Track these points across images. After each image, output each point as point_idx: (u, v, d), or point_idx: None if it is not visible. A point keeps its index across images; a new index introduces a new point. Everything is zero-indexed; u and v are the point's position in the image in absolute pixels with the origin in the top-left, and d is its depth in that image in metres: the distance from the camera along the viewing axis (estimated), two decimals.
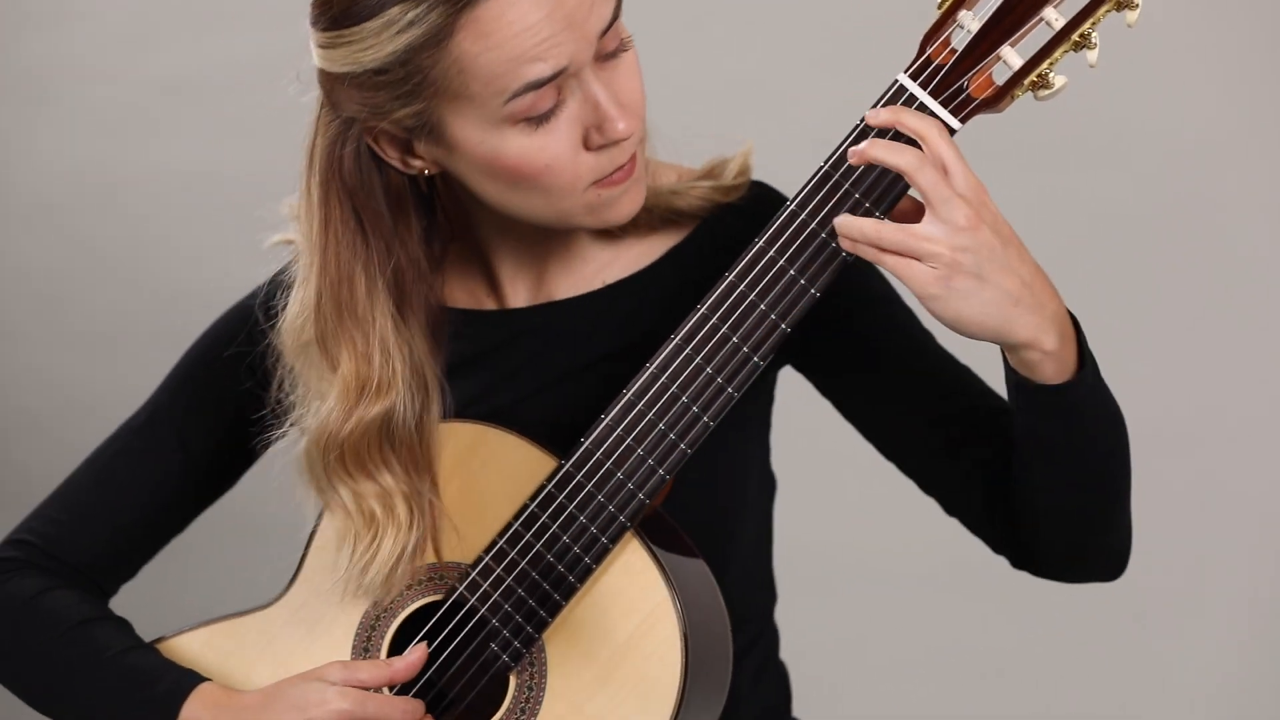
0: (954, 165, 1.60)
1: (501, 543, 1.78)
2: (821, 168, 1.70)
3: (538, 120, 1.73)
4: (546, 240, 1.89)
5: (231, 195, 3.12)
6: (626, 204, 1.78)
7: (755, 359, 1.73)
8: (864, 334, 1.87)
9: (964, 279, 1.59)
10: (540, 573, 1.77)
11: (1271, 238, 3.27)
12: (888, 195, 1.68)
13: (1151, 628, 3.33)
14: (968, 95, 1.66)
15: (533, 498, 1.78)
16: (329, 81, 1.76)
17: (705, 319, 1.73)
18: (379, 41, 1.70)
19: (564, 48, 1.69)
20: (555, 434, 1.80)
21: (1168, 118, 3.25)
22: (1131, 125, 3.23)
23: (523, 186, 1.76)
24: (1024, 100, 1.69)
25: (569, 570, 1.76)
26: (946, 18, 1.67)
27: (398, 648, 1.83)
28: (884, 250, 1.61)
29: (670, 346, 1.74)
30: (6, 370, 3.49)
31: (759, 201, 1.89)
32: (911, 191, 1.67)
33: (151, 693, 1.83)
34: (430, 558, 1.82)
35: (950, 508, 1.86)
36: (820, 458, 3.03)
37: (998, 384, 1.82)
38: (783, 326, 1.72)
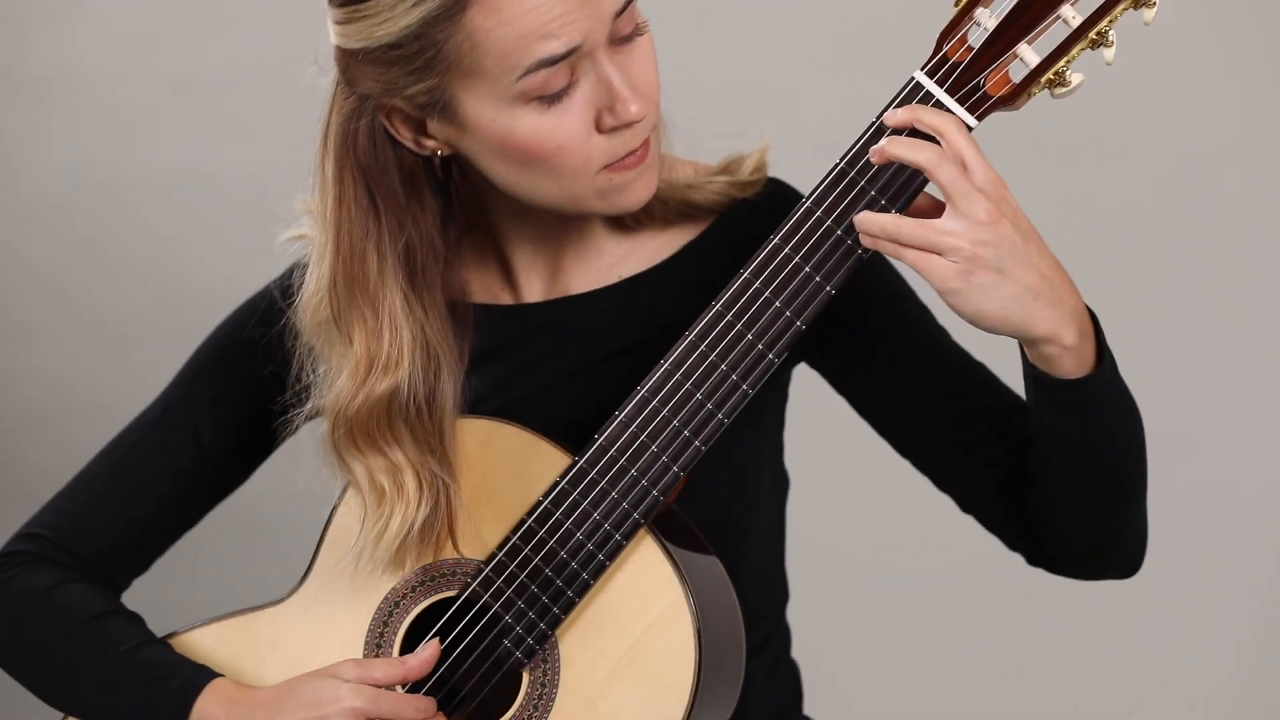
0: (973, 160, 1.61)
1: (515, 539, 1.78)
2: (837, 165, 1.70)
3: (550, 100, 1.72)
4: (562, 232, 1.89)
5: (239, 193, 3.12)
6: (638, 190, 1.78)
7: (771, 356, 1.73)
8: (879, 331, 1.87)
9: (985, 273, 1.60)
10: (554, 569, 1.77)
11: (1274, 238, 3.27)
12: (905, 192, 1.68)
13: (1154, 628, 3.33)
14: (984, 93, 1.66)
15: (546, 494, 1.78)
16: (345, 59, 1.76)
17: (720, 316, 1.73)
18: (393, 16, 1.70)
19: (578, 25, 1.69)
20: (571, 429, 1.80)
21: (1172, 118, 3.25)
22: (1135, 125, 3.23)
23: (534, 167, 1.75)
24: (1034, 98, 1.69)
25: (583, 567, 1.76)
26: (963, 15, 1.67)
27: (410, 644, 1.83)
28: (904, 245, 1.61)
29: (685, 343, 1.74)
30: (15, 367, 3.49)
31: (775, 198, 1.89)
32: (930, 188, 1.67)
33: (164, 688, 1.83)
34: (447, 547, 1.81)
35: (965, 505, 1.86)
36: (831, 456, 3.03)
37: (1012, 381, 1.82)
38: (798, 324, 1.72)
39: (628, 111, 1.73)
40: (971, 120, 1.66)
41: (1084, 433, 1.69)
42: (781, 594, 2.01)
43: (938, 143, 1.63)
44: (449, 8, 1.69)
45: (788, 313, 1.72)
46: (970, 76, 1.66)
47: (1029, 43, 1.65)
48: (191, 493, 1.96)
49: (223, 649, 1.88)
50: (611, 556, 1.76)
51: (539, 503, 1.78)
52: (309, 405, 1.85)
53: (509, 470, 1.80)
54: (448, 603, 1.82)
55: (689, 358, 1.74)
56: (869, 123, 1.69)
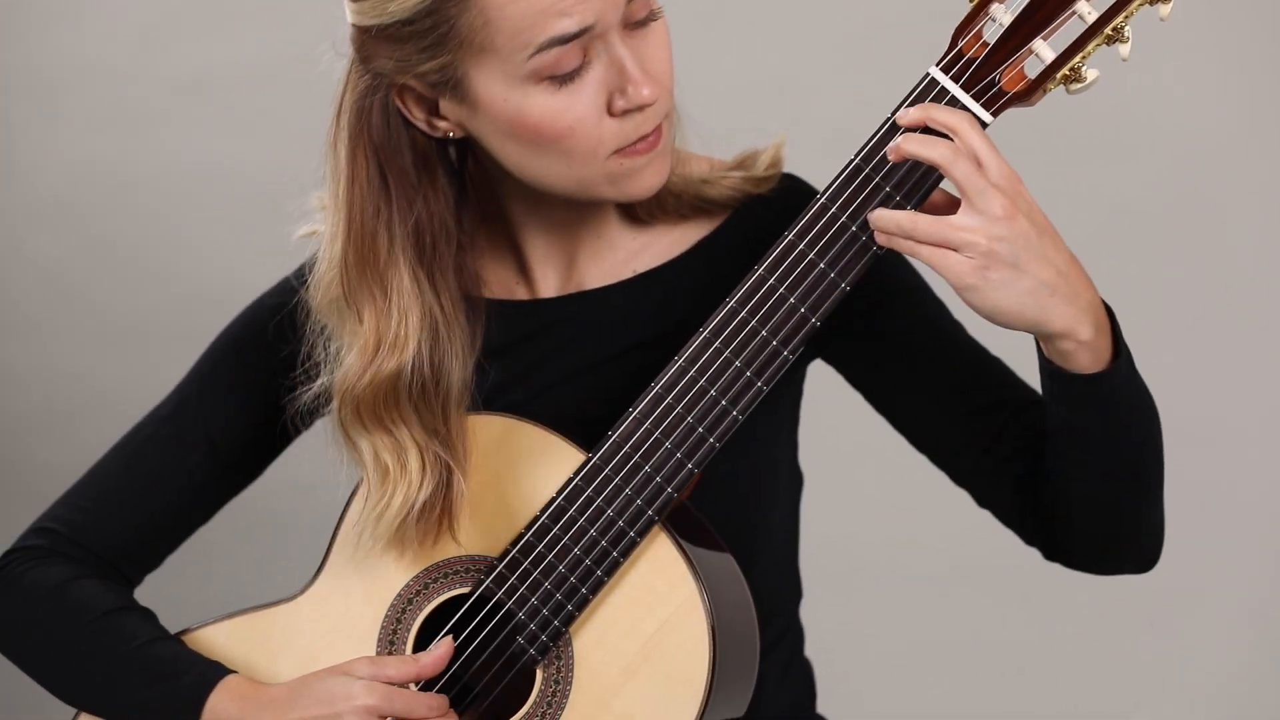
0: (987, 156, 1.60)
1: (528, 536, 1.78)
2: (852, 161, 1.69)
3: (562, 80, 1.73)
4: (577, 225, 1.89)
5: (249, 191, 3.13)
6: (649, 177, 1.78)
7: (786, 353, 1.72)
8: (895, 326, 1.87)
9: (1001, 269, 1.59)
10: (567, 566, 1.77)
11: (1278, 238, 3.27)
12: (919, 188, 1.67)
13: (1155, 628, 3.33)
14: (999, 89, 1.66)
15: (560, 491, 1.77)
16: (360, 37, 1.77)
17: (735, 312, 1.73)
18: None
19: (591, 5, 1.69)
20: (585, 424, 1.80)
21: (1180, 115, 3.24)
22: (1143, 122, 3.23)
23: (544, 149, 1.75)
24: (1049, 94, 1.69)
25: (596, 564, 1.76)
26: (979, 10, 1.66)
27: (424, 641, 1.82)
28: (919, 242, 1.61)
29: (699, 340, 1.74)
30: (25, 365, 3.49)
31: (790, 194, 1.88)
32: (945, 184, 1.67)
33: (177, 684, 1.82)
34: (447, 534, 1.81)
35: (982, 500, 1.85)
36: (844, 454, 3.03)
37: (1028, 376, 1.82)
38: (813, 321, 1.71)
39: (639, 94, 1.73)
40: (987, 116, 1.66)
41: (1100, 427, 1.69)
42: (795, 592, 2.01)
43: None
44: None
45: (803, 309, 1.72)
46: (986, 72, 1.66)
47: (1044, 38, 1.65)
48: (205, 488, 1.96)
49: (235, 645, 1.88)
50: (626, 553, 1.76)
51: (553, 499, 1.78)
52: (318, 383, 1.86)
53: (523, 467, 1.80)
54: (461, 599, 1.81)
55: (703, 354, 1.74)
56: (884, 119, 1.69)
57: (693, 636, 1.74)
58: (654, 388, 1.75)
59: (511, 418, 1.82)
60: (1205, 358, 3.25)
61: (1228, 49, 3.23)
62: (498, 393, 1.87)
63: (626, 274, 1.90)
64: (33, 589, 1.90)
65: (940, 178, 1.67)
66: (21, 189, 3.45)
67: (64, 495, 1.97)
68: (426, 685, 1.82)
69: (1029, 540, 1.84)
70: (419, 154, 1.82)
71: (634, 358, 1.86)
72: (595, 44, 1.72)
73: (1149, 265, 3.23)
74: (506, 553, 1.79)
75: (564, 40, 1.70)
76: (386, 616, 1.83)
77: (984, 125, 1.65)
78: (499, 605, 1.79)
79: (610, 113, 1.74)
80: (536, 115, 1.74)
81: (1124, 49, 1.65)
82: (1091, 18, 1.64)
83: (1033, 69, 1.66)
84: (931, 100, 1.66)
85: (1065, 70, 1.65)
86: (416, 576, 1.82)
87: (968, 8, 1.67)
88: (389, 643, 1.83)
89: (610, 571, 1.76)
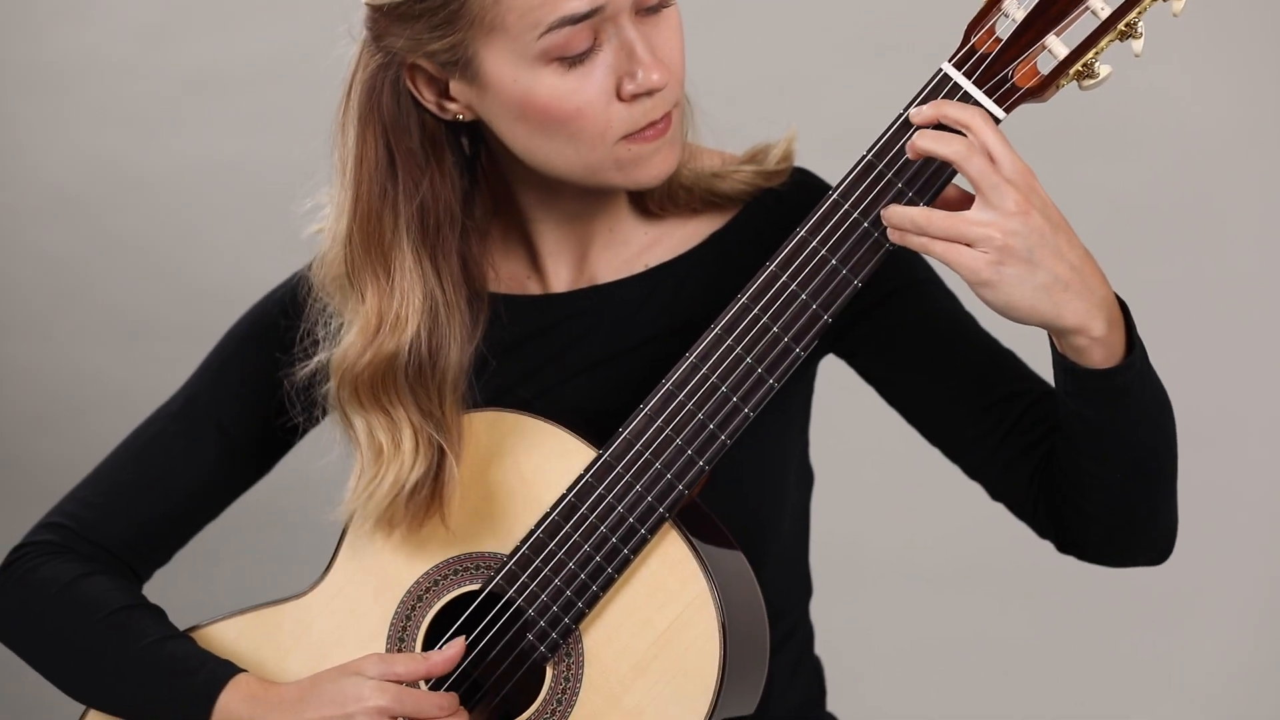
0: (1000, 152, 1.60)
1: (539, 533, 1.78)
2: (864, 157, 1.69)
3: (571, 61, 1.73)
4: (589, 219, 1.89)
5: (257, 187, 3.13)
6: (658, 164, 1.78)
7: (797, 349, 1.72)
8: (907, 319, 1.87)
9: (1015, 264, 1.59)
10: (578, 563, 1.76)
11: None
12: (932, 185, 1.67)
13: (1159, 627, 3.33)
14: (1013, 84, 1.66)
15: (571, 488, 1.77)
16: (372, 15, 1.77)
17: (746, 309, 1.73)
18: None
19: None
20: (597, 418, 1.80)
21: (1181, 115, 3.24)
22: (1144, 120, 3.22)
23: (552, 132, 1.75)
24: (1062, 90, 1.68)
25: (607, 561, 1.76)
26: (991, 6, 1.66)
27: (434, 638, 1.82)
28: (933, 238, 1.61)
29: (710, 336, 1.74)
30: (33, 361, 3.49)
31: (801, 188, 1.88)
32: (958, 180, 1.67)
33: (188, 683, 1.82)
34: (437, 517, 1.81)
35: (995, 493, 1.85)
36: (853, 452, 3.03)
37: (1039, 368, 1.82)
38: (825, 318, 1.71)
39: (649, 79, 1.73)
40: (1000, 112, 1.65)
41: (1113, 422, 1.69)
42: (805, 590, 2.01)
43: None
44: None
45: (814, 306, 1.71)
46: (998, 68, 1.66)
47: (1057, 34, 1.65)
48: (214, 483, 1.96)
49: (245, 642, 1.88)
50: (636, 550, 1.75)
51: (563, 496, 1.77)
52: (315, 359, 1.86)
53: (534, 463, 1.80)
54: (471, 596, 1.81)
55: (714, 351, 1.74)
56: (895, 115, 1.69)
57: (703, 634, 1.74)
58: (665, 384, 1.75)
59: (522, 414, 1.82)
60: (1207, 357, 3.25)
61: (1234, 47, 3.22)
62: (510, 387, 1.87)
63: (639, 268, 1.89)
64: (43, 585, 1.90)
65: (953, 174, 1.66)
66: (30, 185, 3.45)
67: (73, 490, 1.97)
68: (437, 683, 1.82)
69: (1042, 533, 1.84)
70: (427, 135, 1.82)
71: (646, 352, 1.86)
72: (606, 27, 1.72)
73: (1151, 264, 3.22)
74: (517, 550, 1.79)
75: (574, 20, 1.70)
76: (396, 613, 1.83)
77: (996, 121, 1.65)
78: (509, 602, 1.79)
79: (619, 97, 1.74)
80: (545, 96, 1.73)
81: (1137, 45, 1.65)
82: (1105, 13, 1.64)
83: (1046, 65, 1.66)
84: (944, 96, 1.66)
85: (1078, 66, 1.65)
86: (426, 573, 1.82)
87: (980, 3, 1.67)
88: (399, 639, 1.83)
89: (621, 569, 1.76)
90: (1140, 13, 1.63)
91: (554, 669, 1.78)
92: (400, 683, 1.78)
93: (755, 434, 1.76)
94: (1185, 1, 1.63)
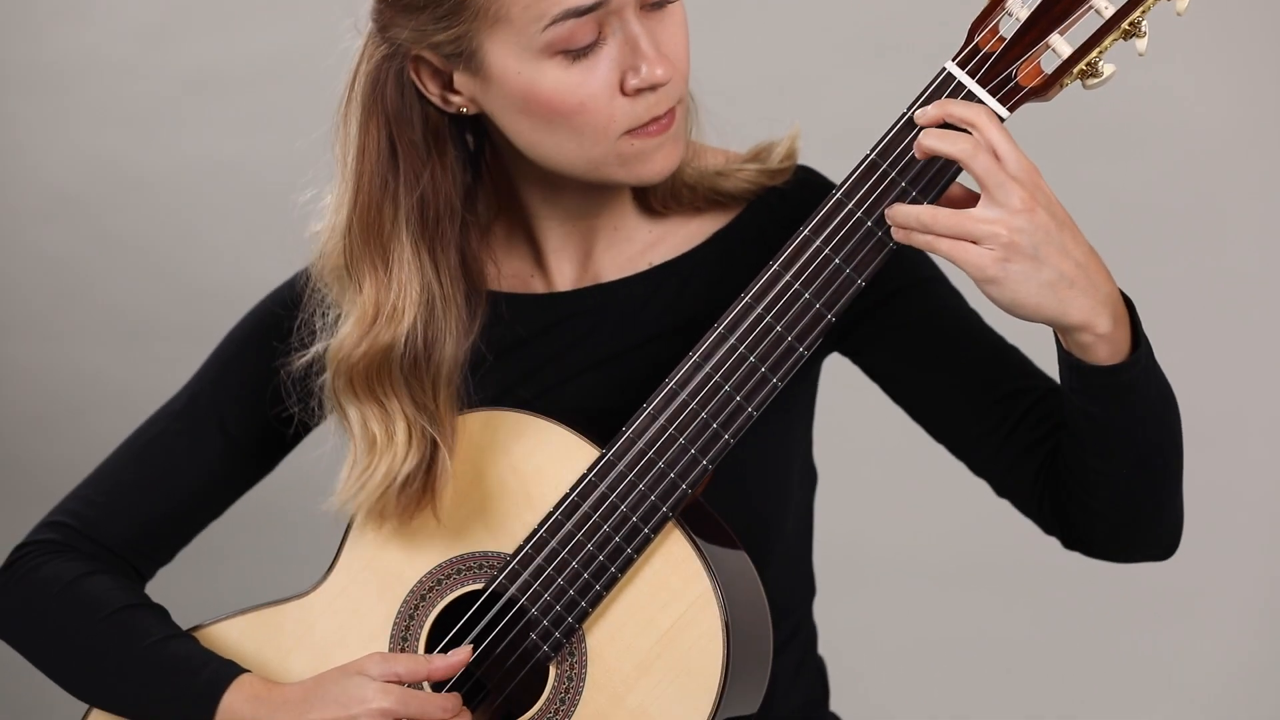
0: (1006, 150, 1.60)
1: (542, 532, 1.78)
2: (868, 156, 1.69)
3: (575, 55, 1.73)
4: (593, 216, 1.89)
5: (258, 188, 3.13)
6: (660, 160, 1.78)
7: (801, 349, 1.72)
8: (913, 316, 1.87)
9: (1021, 261, 1.59)
10: (581, 562, 1.76)
11: None
12: (936, 184, 1.67)
13: (1160, 627, 3.33)
14: (1016, 84, 1.66)
15: (574, 487, 1.77)
16: (378, 7, 1.78)
17: (750, 308, 1.73)
18: None
19: None
20: (601, 416, 1.80)
21: (1183, 114, 3.24)
22: (1145, 120, 3.22)
23: (555, 125, 1.75)
24: (1066, 89, 1.68)
25: (610, 560, 1.76)
26: (995, 5, 1.66)
27: (436, 637, 1.82)
28: (939, 236, 1.61)
29: (714, 335, 1.74)
30: (33, 361, 3.48)
31: (805, 186, 1.89)
32: (963, 178, 1.67)
33: (191, 682, 1.82)
34: (428, 510, 1.81)
35: (1001, 489, 1.85)
36: (856, 452, 3.03)
37: (1043, 364, 1.82)
38: (829, 317, 1.71)
39: (653, 73, 1.73)
40: (1003, 111, 1.65)
41: (1119, 418, 1.69)
42: (808, 590, 2.00)
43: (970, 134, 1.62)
44: None
45: (818, 305, 1.71)
46: (1002, 67, 1.66)
47: (1061, 33, 1.65)
48: (217, 482, 1.96)
49: (247, 642, 1.88)
50: (639, 550, 1.75)
51: (567, 495, 1.77)
52: (313, 349, 1.86)
53: (536, 463, 1.80)
54: (474, 596, 1.81)
55: (718, 350, 1.74)
56: (898, 115, 1.69)
57: (706, 633, 1.74)
58: (668, 383, 1.75)
59: (525, 413, 1.82)
60: (1207, 357, 3.25)
61: (1237, 47, 3.22)
62: (514, 385, 1.87)
63: (642, 266, 1.89)
64: (46, 584, 1.89)
65: (957, 172, 1.67)
66: (30, 185, 3.45)
67: (76, 489, 1.97)
68: (439, 683, 1.82)
69: (1048, 529, 1.84)
70: (430, 128, 1.82)
71: (650, 350, 1.86)
72: (611, 20, 1.72)
73: (1152, 263, 3.22)
74: (520, 549, 1.79)
75: (579, 13, 1.70)
76: (399, 613, 1.83)
77: (1001, 120, 1.65)
78: (512, 601, 1.79)
79: (623, 91, 1.74)
80: (549, 89, 1.73)
81: (1140, 44, 1.65)
82: (1108, 12, 1.63)
83: (1049, 64, 1.65)
84: (948, 95, 1.66)
85: (1082, 65, 1.65)
86: (429, 573, 1.82)
87: (983, 2, 1.67)
88: (402, 639, 1.82)
89: (624, 568, 1.76)
90: (1144, 12, 1.63)
91: (557, 668, 1.78)
92: (401, 683, 1.78)
93: (759, 433, 1.76)
94: (1189, 0, 1.63)
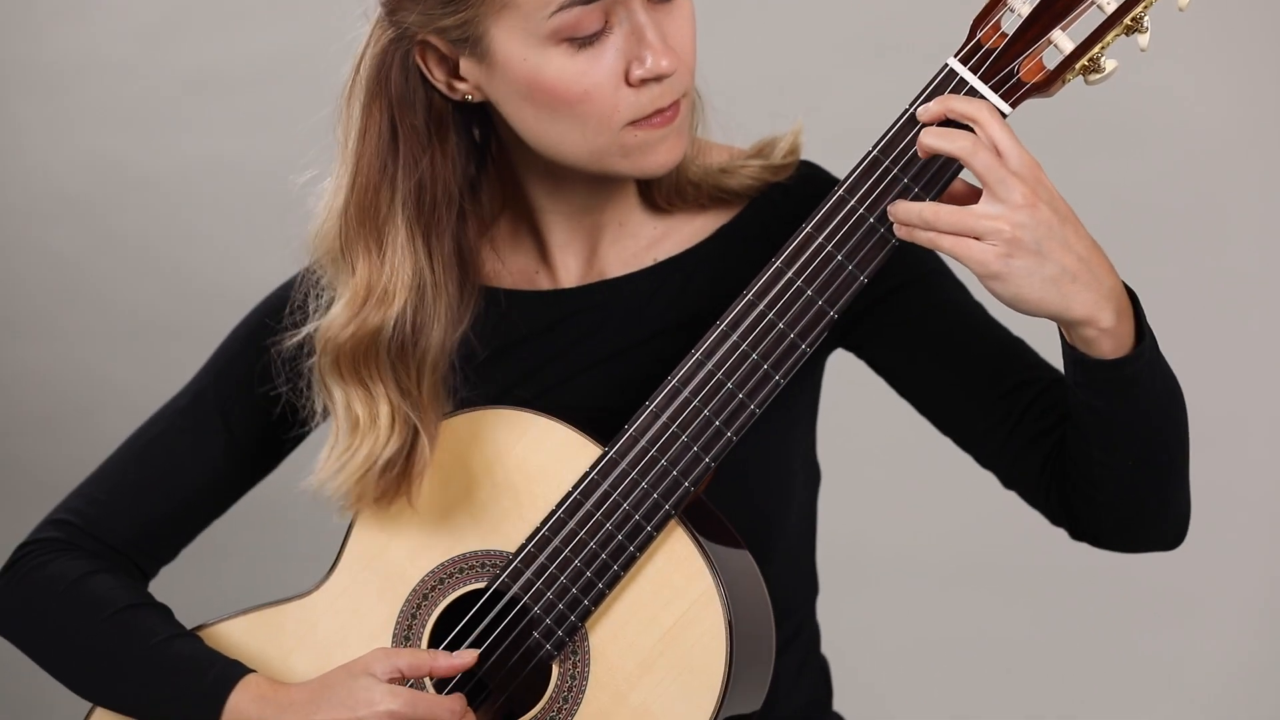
0: (1007, 145, 1.61)
1: (544, 530, 1.78)
2: (870, 153, 1.69)
3: (581, 43, 1.73)
4: (598, 212, 1.89)
5: (259, 187, 3.12)
6: (663, 153, 1.78)
7: (804, 346, 1.72)
8: (917, 309, 1.87)
9: (1024, 256, 1.60)
10: (584, 560, 1.76)
11: None
12: (938, 180, 1.67)
13: (1161, 627, 3.33)
14: (1018, 80, 1.66)
15: (577, 485, 1.77)
16: None
17: (752, 305, 1.73)
18: None
19: None
20: (606, 413, 1.80)
21: (1185, 112, 3.24)
22: (1147, 117, 3.22)
23: (559, 113, 1.75)
24: (1068, 84, 1.68)
25: (613, 558, 1.76)
26: (997, 1, 1.66)
27: (439, 636, 1.82)
28: (941, 232, 1.61)
29: (717, 333, 1.74)
30: (36, 361, 3.48)
31: (808, 181, 1.89)
32: (965, 175, 1.67)
33: (197, 682, 1.82)
34: (404, 497, 1.81)
35: (1008, 481, 1.85)
36: (859, 450, 3.02)
37: (1048, 356, 1.82)
38: (831, 314, 1.71)
39: (658, 64, 1.73)
40: (1006, 107, 1.65)
41: (1124, 412, 1.69)
42: (811, 588, 2.00)
43: (972, 130, 1.62)
44: None
45: (820, 302, 1.71)
46: (1004, 63, 1.66)
47: (1063, 29, 1.65)
48: (221, 480, 1.96)
49: (250, 641, 1.87)
50: (642, 548, 1.75)
51: (569, 494, 1.77)
52: (304, 330, 1.86)
53: (538, 461, 1.80)
54: (476, 595, 1.81)
55: (720, 347, 1.74)
56: (900, 111, 1.69)
57: (709, 631, 1.74)
58: (670, 381, 1.75)
59: (527, 411, 1.81)
60: (1207, 356, 3.24)
61: (1238, 45, 3.22)
62: (519, 382, 1.87)
63: (647, 262, 1.89)
64: (50, 582, 1.89)
65: (959, 169, 1.66)
66: (31, 185, 3.45)
67: (79, 487, 1.97)
68: (442, 682, 1.82)
69: (1055, 520, 1.84)
70: (434, 115, 1.82)
71: (654, 346, 1.86)
72: (618, 10, 1.73)
73: (1153, 261, 3.21)
74: (523, 547, 1.78)
75: (585, 0, 1.70)
76: (402, 612, 1.83)
77: (1003, 116, 1.65)
78: (514, 600, 1.79)
79: (628, 81, 1.74)
80: (553, 77, 1.74)
81: (1143, 39, 1.65)
82: (1110, 8, 1.63)
83: (1051, 60, 1.65)
84: (950, 91, 1.66)
85: (1084, 61, 1.65)
86: (431, 571, 1.82)
87: (983, 1, 1.67)
88: (404, 638, 1.82)
89: (627, 566, 1.75)
90: (1145, 7, 1.63)
91: (560, 667, 1.78)
92: (405, 678, 1.78)
93: (761, 431, 1.76)
94: None
